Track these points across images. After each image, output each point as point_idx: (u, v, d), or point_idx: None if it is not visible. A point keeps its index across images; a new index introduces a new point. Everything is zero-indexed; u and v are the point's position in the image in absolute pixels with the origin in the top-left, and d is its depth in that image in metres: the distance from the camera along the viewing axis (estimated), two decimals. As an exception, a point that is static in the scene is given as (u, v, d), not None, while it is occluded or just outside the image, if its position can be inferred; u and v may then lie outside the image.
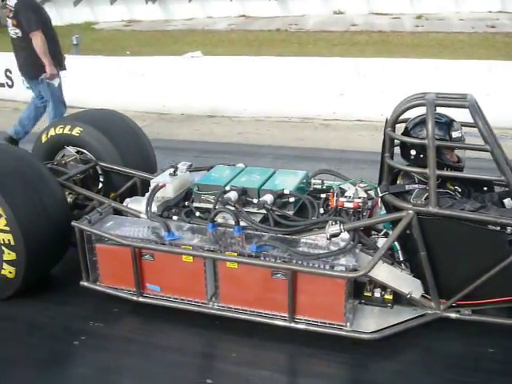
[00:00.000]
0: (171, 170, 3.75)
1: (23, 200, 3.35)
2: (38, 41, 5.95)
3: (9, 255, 3.35)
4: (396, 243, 3.18)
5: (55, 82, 6.27)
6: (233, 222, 3.23)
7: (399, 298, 3.19)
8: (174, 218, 3.48)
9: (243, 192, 3.34)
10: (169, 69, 9.45)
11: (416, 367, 3.00)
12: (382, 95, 8.22)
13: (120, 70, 9.82)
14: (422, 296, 3.15)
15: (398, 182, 3.29)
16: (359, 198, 3.30)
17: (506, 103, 7.55)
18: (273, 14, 18.13)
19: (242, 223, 3.20)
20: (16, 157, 3.59)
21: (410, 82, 8.12)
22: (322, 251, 3.04)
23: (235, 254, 3.08)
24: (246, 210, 3.31)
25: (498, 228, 2.94)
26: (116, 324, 3.42)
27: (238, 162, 3.93)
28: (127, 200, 3.77)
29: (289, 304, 3.04)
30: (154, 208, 3.50)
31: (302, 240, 3.16)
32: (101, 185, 4.35)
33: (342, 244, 3.07)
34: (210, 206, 3.40)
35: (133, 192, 4.13)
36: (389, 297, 3.20)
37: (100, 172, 4.29)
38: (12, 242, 3.31)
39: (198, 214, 3.45)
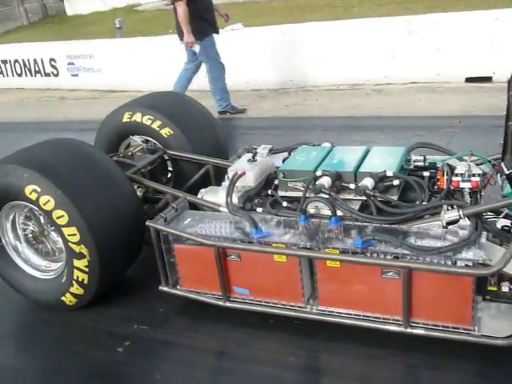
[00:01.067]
0: (249, 155, 3.33)
1: (93, 203, 3.02)
2: (179, 10, 6.89)
3: (81, 263, 3.04)
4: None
5: (195, 49, 7.11)
6: (327, 212, 2.80)
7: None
8: (259, 210, 3.06)
9: (337, 177, 2.88)
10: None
11: None
12: (437, 54, 7.67)
13: (163, 50, 9.52)
14: None
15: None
16: (476, 175, 2.79)
17: None
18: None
19: (339, 213, 2.76)
20: (81, 152, 3.24)
21: (467, 36, 7.51)
22: (440, 243, 2.56)
23: (337, 252, 2.64)
24: (341, 197, 2.86)
25: None
26: (162, 326, 3.12)
27: (286, 136, 3.53)
28: (202, 191, 3.38)
29: (404, 306, 2.59)
30: (235, 199, 3.10)
31: (413, 230, 2.69)
32: (170, 175, 3.98)
33: (464, 233, 2.58)
34: (299, 194, 2.97)
35: (206, 181, 3.75)
36: None
37: (168, 161, 3.92)
38: (84, 252, 3.01)
39: (285, 204, 3.01)
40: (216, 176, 3.73)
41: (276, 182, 3.23)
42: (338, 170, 2.91)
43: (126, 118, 3.82)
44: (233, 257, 2.89)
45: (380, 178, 2.81)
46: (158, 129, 3.76)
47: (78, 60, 11.27)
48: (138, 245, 3.27)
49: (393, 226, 2.72)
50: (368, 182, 2.79)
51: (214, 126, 4.11)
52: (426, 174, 3.02)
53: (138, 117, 3.78)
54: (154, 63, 9.76)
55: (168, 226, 3.02)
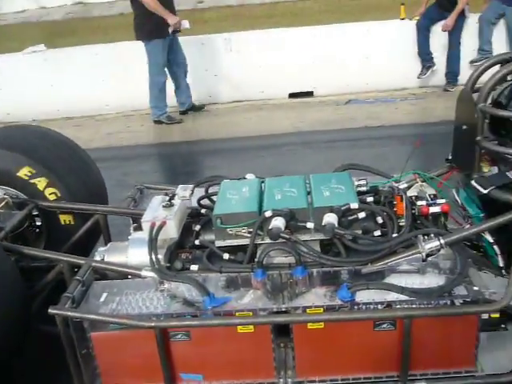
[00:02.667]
0: (160, 198, 2.67)
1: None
2: None
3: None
4: (495, 247, 2.47)
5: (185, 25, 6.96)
6: (284, 260, 2.32)
7: None
8: (194, 267, 2.43)
9: (291, 216, 2.39)
10: (6, 68, 7.94)
11: None
12: (260, 70, 7.66)
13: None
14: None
15: (484, 169, 2.55)
16: (436, 197, 2.52)
17: (386, 65, 7.41)
18: (112, -1, 16.62)
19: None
20: None
21: (289, 52, 7.61)
22: (426, 280, 2.22)
23: (321, 311, 2.14)
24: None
25: None
26: None
27: (119, 169, 3.11)
28: (100, 250, 2.62)
29: (403, 359, 2.18)
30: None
31: (391, 268, 2.31)
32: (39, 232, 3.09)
33: (446, 264, 2.28)
34: (244, 241, 2.41)
35: (93, 237, 2.97)
36: (495, 315, 2.42)
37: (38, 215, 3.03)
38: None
39: (226, 256, 2.43)
40: (107, 228, 2.97)
41: (197, 228, 2.63)
42: (289, 207, 2.41)
43: None
44: (179, 336, 2.21)
45: (343, 212, 2.38)
46: (25, 177, 2.87)
47: None
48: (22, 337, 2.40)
49: (368, 267, 2.32)
50: (332, 219, 2.34)
51: (89, 163, 3.31)
52: (369, 199, 2.67)
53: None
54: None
55: (80, 310, 2.23)
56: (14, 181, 2.92)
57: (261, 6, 14.60)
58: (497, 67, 2.51)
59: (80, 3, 16.92)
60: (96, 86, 7.75)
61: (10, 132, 3.33)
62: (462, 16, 7.08)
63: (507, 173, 2.41)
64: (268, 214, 2.37)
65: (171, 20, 6.61)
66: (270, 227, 2.34)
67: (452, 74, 7.36)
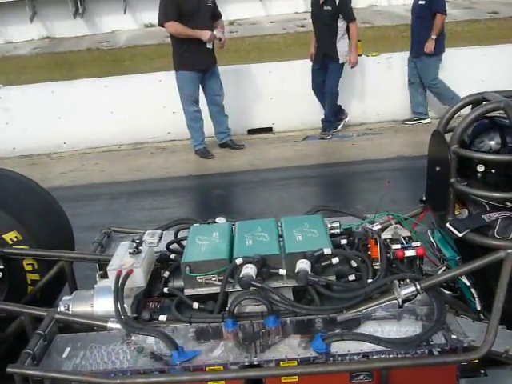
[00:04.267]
0: (127, 245, 2.56)
1: None
2: (171, 29, 6.54)
3: None
4: (472, 290, 2.43)
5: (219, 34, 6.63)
6: (254, 309, 2.25)
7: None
8: (162, 318, 2.33)
9: (262, 262, 2.31)
10: None
11: None
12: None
13: None
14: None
15: (456, 212, 2.51)
16: (410, 239, 2.47)
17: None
18: (80, 34, 16.59)
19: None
20: None
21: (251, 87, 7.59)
22: (403, 328, 2.15)
23: (295, 364, 2.05)
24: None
25: None
26: None
27: (69, 210, 3.20)
28: (64, 299, 2.50)
29: (381, 414, 2.10)
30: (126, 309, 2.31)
31: (366, 315, 2.24)
32: None
33: (422, 311, 2.23)
34: (213, 290, 2.32)
35: (59, 283, 2.85)
36: (474, 360, 2.40)
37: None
38: None
39: (196, 305, 2.33)
40: (72, 276, 2.85)
41: (165, 274, 2.54)
42: (259, 253, 2.33)
43: None
44: (147, 393, 2.10)
45: (317, 258, 2.31)
46: None
47: None
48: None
49: (343, 314, 2.24)
50: (305, 265, 2.27)
51: (51, 204, 3.19)
52: (343, 241, 2.61)
53: None
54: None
55: (41, 368, 2.10)
56: None
57: (229, 41, 14.69)
58: (468, 108, 2.51)
59: (47, 38, 16.86)
60: (52, 124, 7.63)
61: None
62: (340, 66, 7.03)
63: (482, 215, 2.38)
64: (239, 261, 2.29)
65: (204, 37, 6.35)
66: (240, 275, 2.25)
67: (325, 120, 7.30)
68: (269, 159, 6.50)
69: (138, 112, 7.51)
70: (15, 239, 2.79)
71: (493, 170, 2.33)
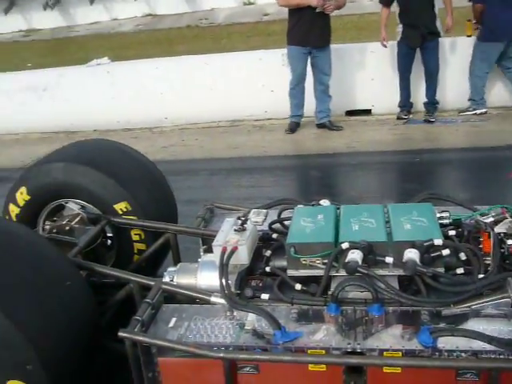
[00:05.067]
0: (232, 221, 2.60)
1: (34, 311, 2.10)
2: None
3: None
4: None
5: None
6: (359, 296, 2.21)
7: None
8: (264, 296, 2.35)
9: (369, 249, 2.26)
10: (74, 80, 8.19)
11: None
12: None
13: (19, 86, 8.40)
14: None
15: None
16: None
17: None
18: (181, 11, 16.99)
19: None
20: (7, 237, 2.28)
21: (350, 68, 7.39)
22: (513, 328, 2.05)
23: (399, 355, 2.01)
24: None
25: None
26: None
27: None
28: (170, 270, 2.58)
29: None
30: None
31: (475, 312, 2.15)
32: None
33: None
34: (317, 272, 2.31)
35: (162, 254, 2.94)
36: None
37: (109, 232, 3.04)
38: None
39: (298, 286, 2.33)
40: (176, 248, 2.94)
41: (267, 253, 2.55)
42: (366, 239, 2.29)
43: (59, 176, 2.88)
44: (247, 369, 2.13)
45: (426, 249, 2.24)
46: (97, 190, 2.88)
47: None
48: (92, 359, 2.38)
49: (450, 308, 2.16)
50: (413, 255, 2.21)
51: (158, 177, 3.30)
52: (452, 232, 2.51)
53: (74, 174, 2.86)
54: (9, 102, 8.49)
55: (149, 335, 2.18)
56: (86, 194, 2.94)
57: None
58: None
59: (149, 15, 17.37)
60: (154, 99, 7.90)
61: (84, 146, 3.36)
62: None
63: None
64: (345, 245, 2.26)
65: (313, 2, 6.24)
66: (346, 260, 2.23)
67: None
68: (367, 142, 6.38)
69: (236, 90, 7.60)
70: (125, 209, 2.91)
71: None
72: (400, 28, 6.64)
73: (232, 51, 8.54)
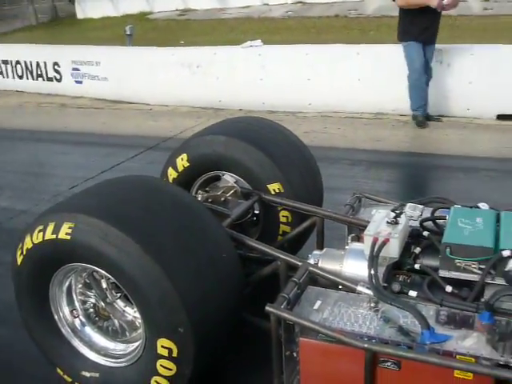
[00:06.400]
0: (384, 214, 2.55)
1: (188, 272, 2.23)
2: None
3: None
4: None
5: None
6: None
7: None
8: (412, 293, 2.29)
9: (533, 261, 2.12)
10: (226, 59, 8.51)
11: None
12: (469, 87, 7.09)
13: (173, 61, 8.95)
14: None
15: None
16: None
17: None
18: (331, 0, 16.93)
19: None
20: (173, 201, 2.43)
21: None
22: None
23: (560, 375, 1.88)
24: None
25: None
26: None
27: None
28: (315, 254, 2.60)
29: None
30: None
31: None
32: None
33: None
34: (471, 277, 2.21)
35: (304, 237, 2.98)
36: None
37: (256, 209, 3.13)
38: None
39: (449, 288, 2.25)
40: (322, 232, 2.95)
41: (416, 250, 2.48)
42: (530, 249, 2.15)
43: (220, 148, 3.02)
44: (389, 364, 2.10)
45: None
46: (254, 167, 2.97)
47: (83, 66, 10.50)
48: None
49: None
50: None
51: (310, 162, 3.32)
52: None
53: (234, 149, 2.98)
54: (164, 75, 9.04)
55: (294, 314, 2.23)
56: (242, 170, 3.03)
57: (480, 18, 13.59)
58: None
59: (300, 2, 17.47)
60: (301, 84, 7.94)
61: (246, 122, 3.45)
62: None
63: None
64: (506, 253, 2.14)
65: (432, 3, 6.39)
66: (506, 269, 2.11)
67: None
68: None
69: (382, 82, 7.44)
70: (277, 190, 2.97)
71: None
72: None
73: (380, 43, 8.36)
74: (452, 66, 7.16)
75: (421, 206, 2.59)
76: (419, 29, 6.59)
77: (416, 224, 2.65)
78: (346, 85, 7.65)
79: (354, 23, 14.63)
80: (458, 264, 2.24)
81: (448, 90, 7.21)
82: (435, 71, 7.04)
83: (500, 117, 7.05)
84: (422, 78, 6.81)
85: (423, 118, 6.99)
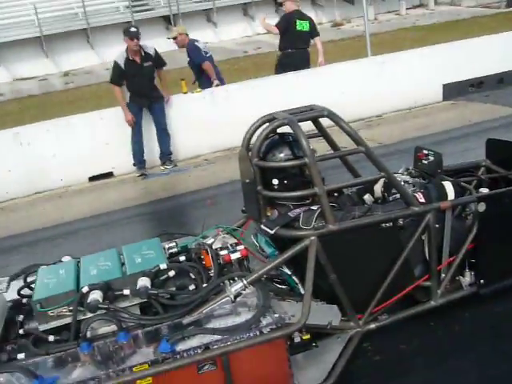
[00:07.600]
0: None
1: None
2: None
3: None
4: (294, 277, 2.88)
5: None
6: (107, 329, 2.50)
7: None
8: (20, 356, 2.47)
9: (107, 287, 2.56)
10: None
11: None
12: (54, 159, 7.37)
13: None
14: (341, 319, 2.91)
15: (268, 214, 2.95)
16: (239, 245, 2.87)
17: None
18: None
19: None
20: None
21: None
22: (238, 319, 2.52)
23: (146, 366, 2.32)
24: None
25: (390, 224, 2.88)
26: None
27: None
28: None
29: (229, 395, 2.43)
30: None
31: (206, 315, 2.57)
32: None
33: (253, 301, 2.61)
34: (67, 320, 2.53)
35: None
36: (306, 336, 2.84)
37: None
38: None
39: (51, 338, 2.51)
40: None
41: (20, 318, 2.69)
42: (104, 280, 2.59)
43: None
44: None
45: (155, 274, 2.62)
46: None
47: None
48: None
49: (187, 318, 2.55)
50: (145, 282, 2.56)
51: None
52: (182, 258, 2.93)
53: None
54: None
55: None
56: None
57: (65, 92, 14.49)
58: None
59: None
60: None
61: None
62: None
63: (288, 213, 2.85)
64: (85, 289, 2.52)
65: None
66: (88, 301, 2.49)
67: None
68: (109, 202, 6.64)
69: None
70: None
71: (287, 177, 2.83)
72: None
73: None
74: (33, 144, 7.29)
75: (6, 278, 2.80)
76: None
77: (14, 295, 2.85)
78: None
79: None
80: (52, 314, 2.53)
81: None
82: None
83: (91, 179, 7.64)
84: None
85: None
